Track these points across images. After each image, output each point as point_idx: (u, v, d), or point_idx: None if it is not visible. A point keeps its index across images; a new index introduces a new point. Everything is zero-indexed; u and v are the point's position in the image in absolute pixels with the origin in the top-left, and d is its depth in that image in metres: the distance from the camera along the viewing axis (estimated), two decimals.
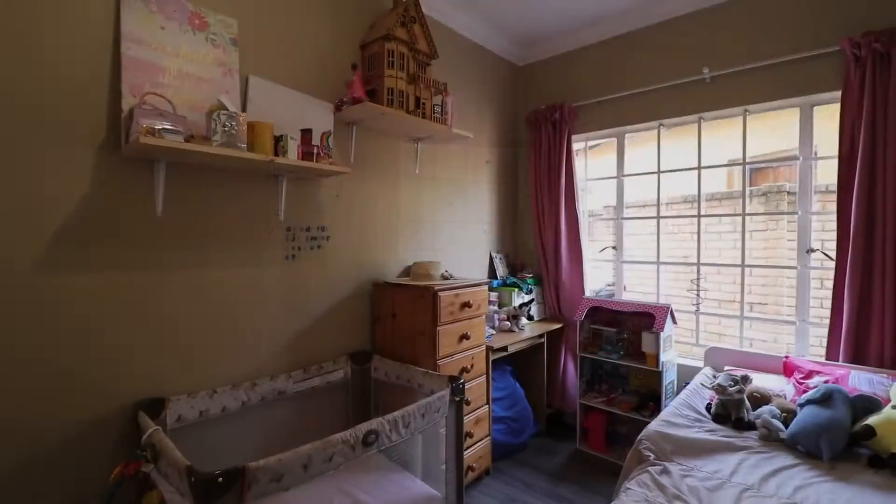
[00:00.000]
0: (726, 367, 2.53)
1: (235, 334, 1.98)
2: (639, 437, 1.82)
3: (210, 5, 1.87)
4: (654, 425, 1.87)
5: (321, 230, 2.30)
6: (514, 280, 3.31)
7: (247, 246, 2.01)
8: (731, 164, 3.03)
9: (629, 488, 1.53)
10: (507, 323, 3.00)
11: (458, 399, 1.94)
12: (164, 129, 1.54)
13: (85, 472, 1.57)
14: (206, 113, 1.68)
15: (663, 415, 1.98)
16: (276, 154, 1.83)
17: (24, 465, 1.45)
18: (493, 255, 3.45)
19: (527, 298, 3.23)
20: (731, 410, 2.02)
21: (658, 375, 2.63)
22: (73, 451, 1.55)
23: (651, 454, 1.71)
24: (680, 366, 2.85)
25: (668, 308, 2.65)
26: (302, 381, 2.16)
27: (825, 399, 1.82)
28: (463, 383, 1.96)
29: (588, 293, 3.37)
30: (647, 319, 2.82)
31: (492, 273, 3.43)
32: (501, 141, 3.57)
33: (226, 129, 1.68)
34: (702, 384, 2.31)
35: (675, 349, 3.01)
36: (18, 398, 1.44)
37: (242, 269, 1.99)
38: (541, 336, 3.11)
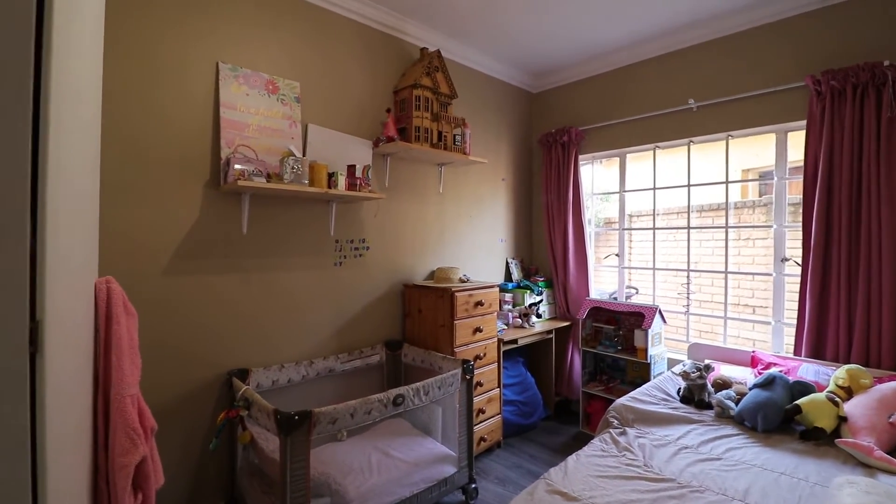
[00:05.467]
0: (706, 360, 2.92)
1: (298, 324, 2.57)
2: (608, 408, 2.28)
3: (280, 73, 2.48)
4: (623, 399, 2.32)
5: (362, 242, 2.87)
6: (527, 283, 3.79)
7: (306, 255, 2.60)
8: (715, 182, 3.38)
9: (592, 443, 1.99)
10: (519, 320, 3.48)
11: (468, 377, 2.46)
12: (252, 172, 2.14)
13: (195, 417, 2.20)
14: (280, 159, 2.27)
15: (633, 393, 2.43)
16: (330, 186, 2.41)
17: (160, 412, 2.07)
18: (509, 260, 3.94)
19: (537, 299, 3.70)
20: (695, 393, 2.44)
21: (648, 367, 3.04)
22: (188, 403, 2.17)
23: (616, 421, 2.17)
24: (669, 359, 3.25)
25: (656, 308, 3.07)
26: (347, 361, 2.73)
27: (767, 383, 2.22)
28: (472, 366, 2.47)
29: (600, 295, 3.79)
30: (640, 318, 3.24)
31: (508, 277, 3.92)
32: (517, 159, 4.05)
33: (294, 170, 2.27)
34: (673, 372, 2.72)
35: (669, 345, 3.41)
36: (155, 366, 2.07)
37: (302, 273, 2.58)
38: (549, 332, 3.57)
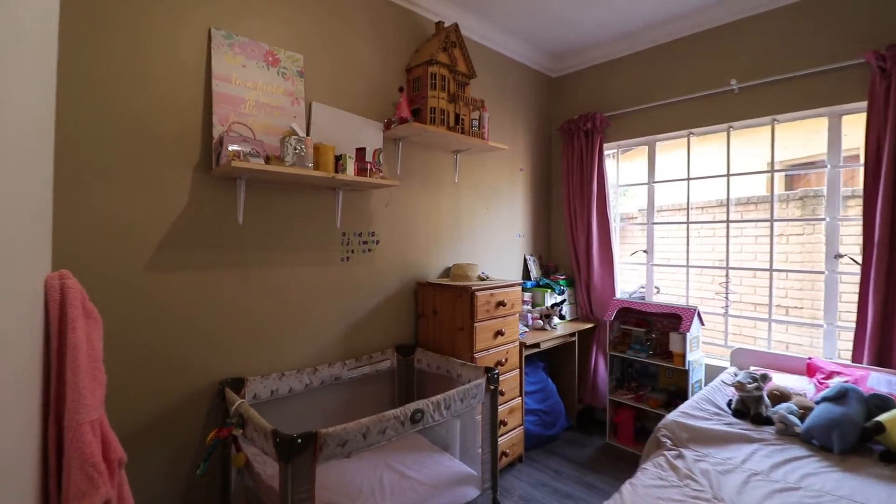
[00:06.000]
0: (751, 367, 2.63)
1: (300, 326, 2.28)
2: (658, 425, 1.99)
3: (281, 44, 2.19)
4: (673, 415, 2.04)
5: (371, 235, 2.58)
6: (547, 281, 3.50)
7: (309, 249, 2.31)
8: (759, 171, 3.09)
9: (645, 468, 1.71)
10: (540, 322, 3.19)
11: (493, 387, 2.17)
12: (248, 153, 1.85)
13: (182, 435, 1.90)
14: (281, 138, 1.98)
15: (683, 407, 2.14)
16: (337, 171, 2.13)
17: (139, 429, 1.79)
18: (527, 257, 3.65)
19: (559, 299, 3.42)
20: (750, 406, 2.15)
21: (685, 374, 2.76)
22: (174, 418, 1.88)
23: (668, 440, 1.88)
24: (707, 365, 2.96)
25: (694, 310, 2.78)
26: (355, 368, 2.44)
27: (840, 396, 1.94)
28: (497, 374, 2.18)
29: (621, 295, 3.51)
30: (674, 320, 2.96)
31: (526, 274, 3.63)
32: (535, 149, 3.77)
33: (296, 151, 1.98)
34: (723, 382, 2.43)
35: (704, 349, 3.12)
36: (135, 375, 1.78)
37: (305, 269, 2.30)
38: (572, 335, 3.28)
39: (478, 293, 2.48)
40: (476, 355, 2.49)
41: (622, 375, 3.27)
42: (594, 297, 3.48)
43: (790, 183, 5.44)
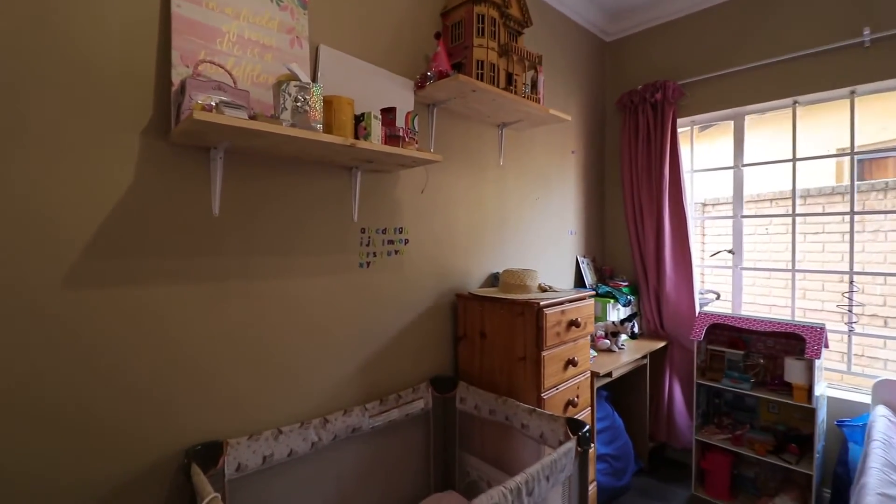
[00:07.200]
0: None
1: (304, 359, 1.62)
2: None
3: None
4: (872, 500, 1.37)
5: (399, 232, 1.92)
6: (609, 289, 2.84)
7: (315, 252, 1.65)
8: None
9: None
10: (607, 341, 2.53)
11: (583, 449, 1.51)
12: (223, 102, 1.19)
13: None
14: (274, 84, 1.32)
15: (872, 484, 1.45)
16: (358, 136, 1.46)
17: None
18: (580, 259, 2.99)
19: (625, 312, 2.76)
20: None
21: (811, 413, 2.10)
22: None
23: None
24: (829, 398, 2.30)
25: (822, 329, 2.12)
26: (379, 414, 1.78)
27: None
28: (588, 432, 1.52)
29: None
30: (785, 341, 2.31)
31: (578, 281, 2.97)
32: (587, 128, 3.10)
33: (297, 104, 1.31)
34: None
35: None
36: (48, 448, 1.12)
37: (311, 280, 1.64)
38: (643, 357, 2.62)
39: (546, 311, 1.82)
40: (543, 395, 1.83)
41: (707, 408, 2.60)
42: (666, 308, 2.81)
43: (861, 172, 4.80)
